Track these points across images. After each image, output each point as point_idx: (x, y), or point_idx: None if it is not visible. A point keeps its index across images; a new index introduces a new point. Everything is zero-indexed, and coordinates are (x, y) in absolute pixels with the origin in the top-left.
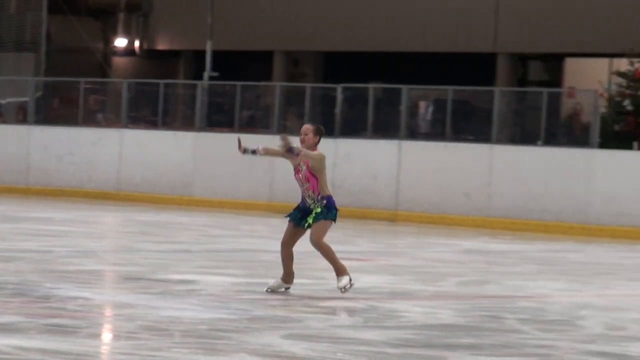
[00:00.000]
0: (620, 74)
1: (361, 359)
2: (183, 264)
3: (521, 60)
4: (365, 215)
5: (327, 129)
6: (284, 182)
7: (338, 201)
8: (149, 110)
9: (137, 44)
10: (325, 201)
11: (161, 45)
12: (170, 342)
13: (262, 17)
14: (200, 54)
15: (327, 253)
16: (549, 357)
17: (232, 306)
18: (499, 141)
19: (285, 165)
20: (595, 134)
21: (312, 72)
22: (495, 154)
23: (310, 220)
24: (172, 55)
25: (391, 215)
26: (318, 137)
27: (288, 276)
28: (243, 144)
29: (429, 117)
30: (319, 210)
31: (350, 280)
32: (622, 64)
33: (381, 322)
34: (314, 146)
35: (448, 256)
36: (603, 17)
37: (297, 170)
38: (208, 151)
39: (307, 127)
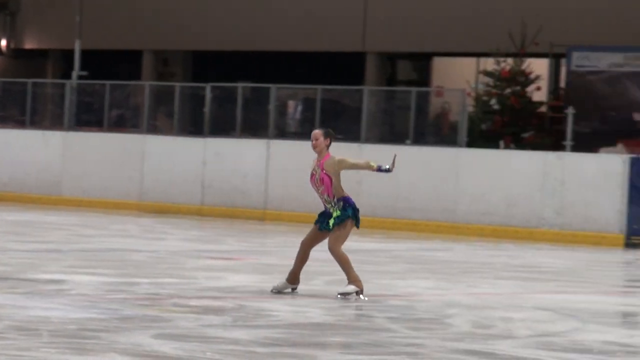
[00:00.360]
0: (487, 73)
1: (230, 358)
2: (52, 264)
3: (390, 59)
4: (235, 214)
5: (196, 128)
6: (154, 182)
7: (207, 201)
8: (16, 110)
9: (4, 43)
10: (342, 203)
11: (29, 45)
12: (39, 342)
13: (131, 17)
14: (69, 53)
15: (342, 261)
16: (417, 356)
17: (102, 306)
18: (368, 140)
19: (155, 166)
20: (462, 133)
21: (181, 71)
22: (365, 153)
23: (331, 223)
24: (40, 54)
25: (260, 214)
26: (329, 140)
27: (294, 276)
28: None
29: (297, 116)
30: (338, 213)
31: (359, 293)
32: (489, 64)
33: (250, 322)
34: (326, 149)
35: (318, 255)
36: (469, 17)
37: (311, 175)
38: (77, 150)
39: (317, 132)
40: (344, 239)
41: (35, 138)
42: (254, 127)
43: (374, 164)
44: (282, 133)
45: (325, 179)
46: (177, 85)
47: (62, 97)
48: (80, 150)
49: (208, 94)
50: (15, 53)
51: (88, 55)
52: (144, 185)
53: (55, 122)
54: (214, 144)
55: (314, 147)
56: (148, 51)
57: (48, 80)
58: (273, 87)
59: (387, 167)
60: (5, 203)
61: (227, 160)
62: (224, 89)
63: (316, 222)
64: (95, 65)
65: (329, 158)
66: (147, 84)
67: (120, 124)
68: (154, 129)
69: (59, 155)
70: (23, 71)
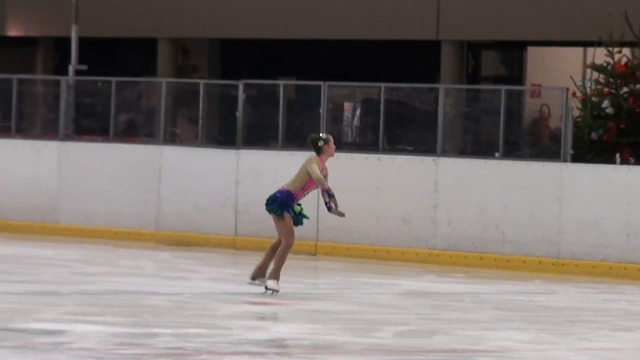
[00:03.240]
0: (597, 68)
1: None
2: (47, 310)
3: (472, 50)
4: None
5: (226, 136)
6: (174, 206)
7: (241, 229)
8: None
9: None
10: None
11: (13, 31)
12: None
13: None
14: (64, 42)
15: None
16: None
17: None
18: (446, 153)
19: (175, 185)
20: (567, 144)
21: (206, 65)
22: (442, 168)
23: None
24: (27, 43)
25: (311, 247)
26: None
27: (262, 271)
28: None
29: (356, 122)
30: (300, 209)
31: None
32: (600, 55)
33: None
34: None
35: (384, 299)
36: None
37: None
38: (77, 165)
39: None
40: None
41: (24, 150)
42: (301, 136)
43: (326, 184)
44: (337, 143)
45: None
46: (202, 82)
47: (57, 97)
48: (80, 165)
49: (241, 94)
50: None
51: (88, 45)
52: (161, 210)
53: (49, 130)
54: (250, 158)
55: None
56: (164, 39)
57: (38, 77)
58: (324, 85)
59: (332, 194)
60: None
61: (266, 179)
62: (262, 88)
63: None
64: (97, 57)
65: None
66: (163, 81)
67: (131, 132)
68: (172, 138)
69: (54, 171)
70: (6, 65)
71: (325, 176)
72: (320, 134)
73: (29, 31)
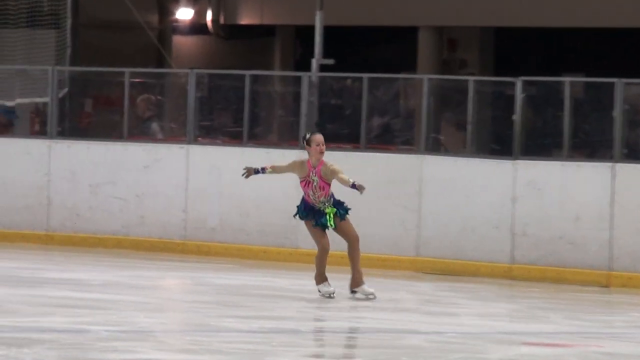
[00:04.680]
0: None
1: None
2: (285, 352)
3: None
4: (563, 276)
5: (501, 144)
6: (438, 227)
7: (519, 255)
8: (228, 117)
9: (209, 16)
10: (332, 199)
11: (246, 19)
12: None
13: None
14: (306, 32)
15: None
16: None
17: None
18: None
19: (439, 202)
20: None
21: (477, 59)
22: None
23: (331, 222)
24: (262, 33)
25: (602, 278)
26: None
27: (323, 276)
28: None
29: None
30: (334, 209)
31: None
32: None
33: None
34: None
35: None
36: None
37: (307, 183)
38: None
39: (322, 137)
40: None
41: (257, 160)
42: (591, 144)
43: (350, 180)
44: (635, 152)
45: (325, 187)
46: (471, 79)
47: (297, 97)
48: None
49: (519, 93)
50: (226, 31)
51: (335, 35)
52: (422, 232)
53: (287, 136)
54: (528, 170)
55: (321, 152)
56: (427, 28)
57: (275, 73)
58: (618, 82)
59: (357, 185)
60: (215, 258)
61: (549, 195)
62: (544, 86)
63: (313, 221)
64: (345, 49)
65: (323, 165)
66: (425, 78)
67: (385, 139)
68: (436, 146)
69: (292, 186)
70: (238, 58)
71: (319, 186)
72: (306, 133)
73: (265, 19)
